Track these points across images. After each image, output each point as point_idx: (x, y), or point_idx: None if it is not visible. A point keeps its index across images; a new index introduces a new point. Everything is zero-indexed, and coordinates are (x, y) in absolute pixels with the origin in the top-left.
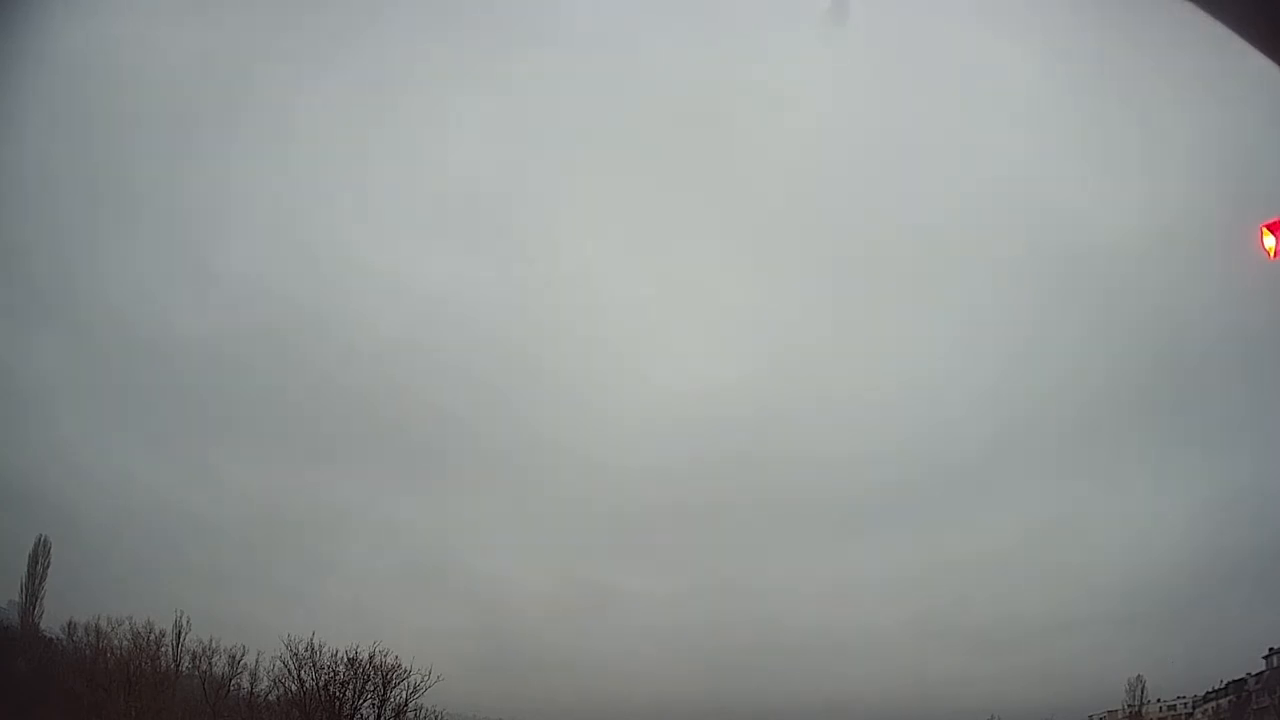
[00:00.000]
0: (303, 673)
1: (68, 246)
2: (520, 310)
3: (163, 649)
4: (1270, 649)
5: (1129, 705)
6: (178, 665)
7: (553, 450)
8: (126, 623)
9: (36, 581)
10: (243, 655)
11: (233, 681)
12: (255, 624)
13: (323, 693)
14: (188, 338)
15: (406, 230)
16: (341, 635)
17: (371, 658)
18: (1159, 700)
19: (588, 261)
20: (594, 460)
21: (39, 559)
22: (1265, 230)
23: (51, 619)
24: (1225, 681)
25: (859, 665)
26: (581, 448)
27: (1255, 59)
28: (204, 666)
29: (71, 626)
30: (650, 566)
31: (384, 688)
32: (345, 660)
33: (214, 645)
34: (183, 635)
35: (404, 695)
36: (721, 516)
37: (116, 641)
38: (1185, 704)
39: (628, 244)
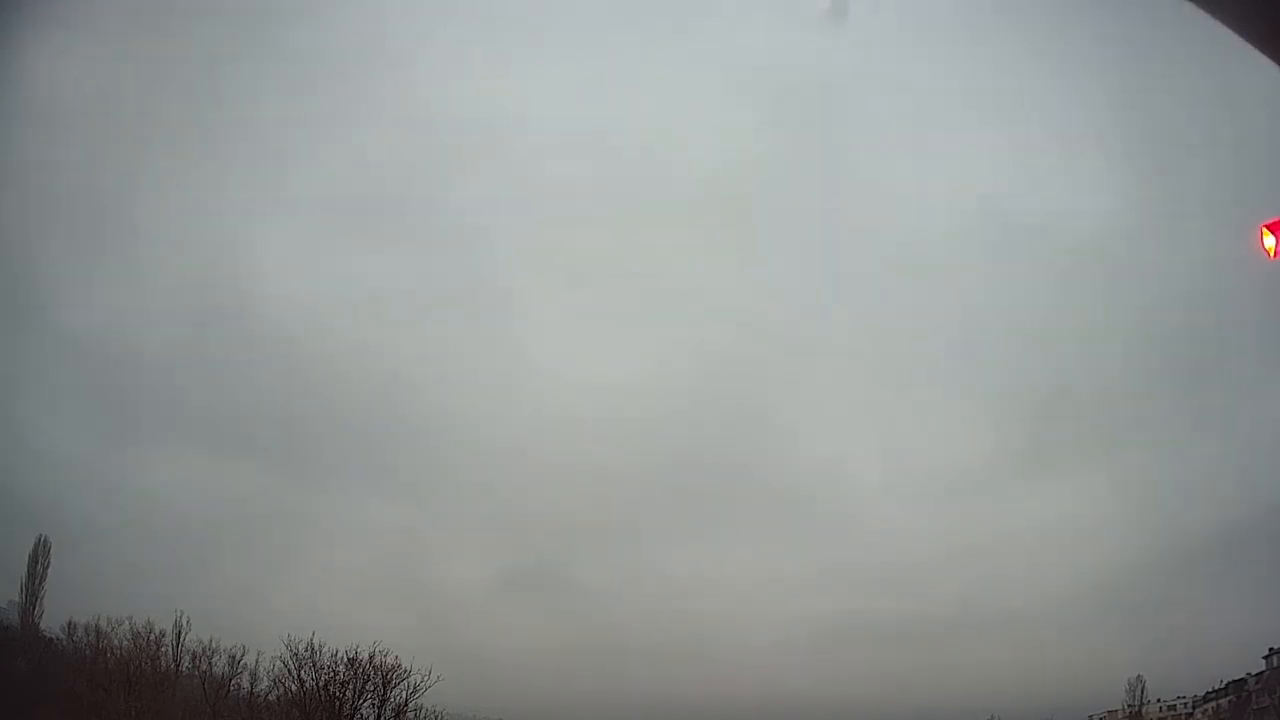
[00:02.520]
0: (303, 673)
1: (53, 256)
2: (456, 312)
3: (163, 649)
4: (1270, 649)
5: (1129, 705)
6: (178, 665)
7: (491, 451)
8: (126, 623)
9: (36, 581)
10: (243, 655)
11: (233, 681)
12: (238, 623)
13: (323, 693)
14: (159, 345)
15: (344, 231)
16: (308, 632)
17: (371, 658)
18: (1159, 700)
19: (515, 260)
20: (531, 459)
21: (39, 559)
22: (1265, 230)
23: (51, 619)
24: (1225, 681)
25: (844, 664)
26: (519, 447)
27: (1255, 59)
28: (204, 666)
29: (71, 626)
30: (589, 561)
31: (384, 688)
32: (345, 660)
33: (214, 645)
34: (183, 635)
35: (404, 695)
36: (665, 512)
37: (116, 641)
38: (1185, 704)
39: (558, 242)
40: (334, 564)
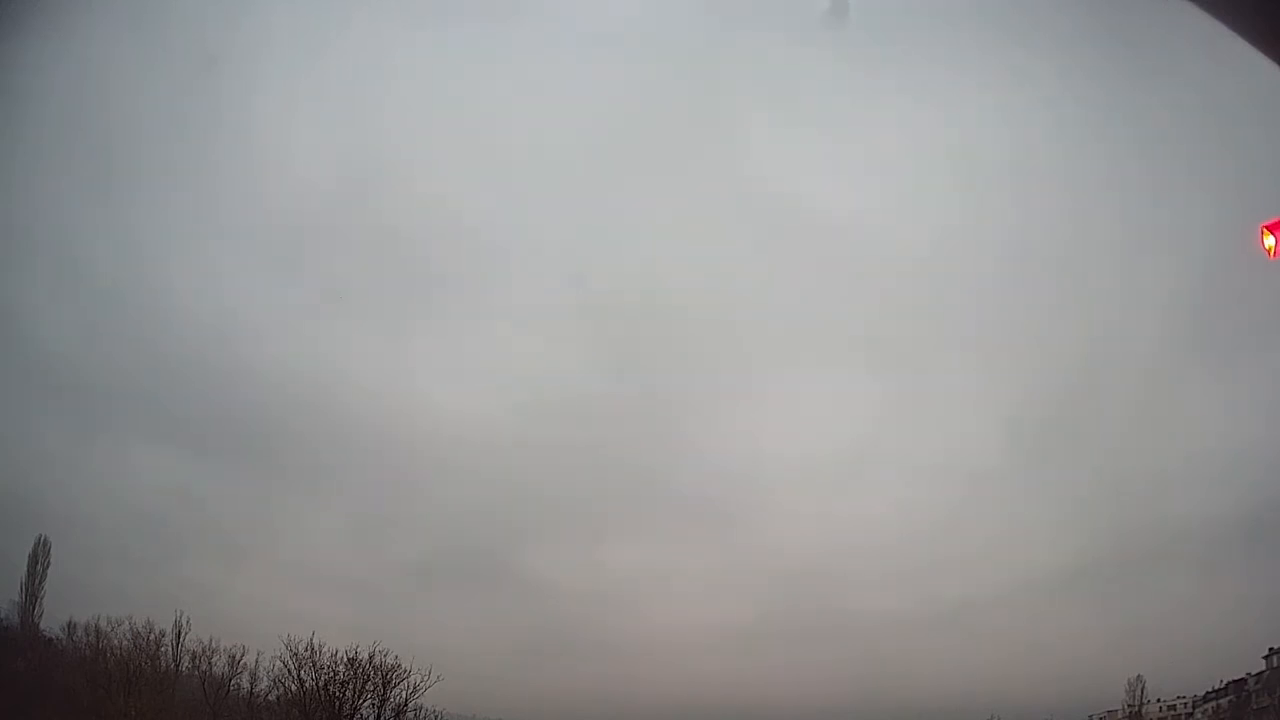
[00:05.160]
0: (303, 673)
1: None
2: (398, 314)
3: (163, 649)
4: (1270, 649)
5: (1129, 705)
6: (178, 665)
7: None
8: (126, 623)
9: (36, 581)
10: (243, 655)
11: (233, 681)
12: (234, 623)
13: (323, 693)
14: (140, 351)
15: (308, 237)
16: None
17: (371, 658)
18: (1159, 700)
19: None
20: (478, 450)
21: (39, 559)
22: (1265, 230)
23: (51, 619)
24: (1225, 681)
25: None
26: (466, 436)
27: (1255, 59)
28: (204, 666)
29: (71, 626)
30: (538, 555)
31: (384, 688)
32: (345, 660)
33: (214, 645)
34: (183, 635)
35: (404, 695)
36: (613, 505)
37: (116, 641)
38: (1185, 704)
39: (485, 232)
40: (308, 562)
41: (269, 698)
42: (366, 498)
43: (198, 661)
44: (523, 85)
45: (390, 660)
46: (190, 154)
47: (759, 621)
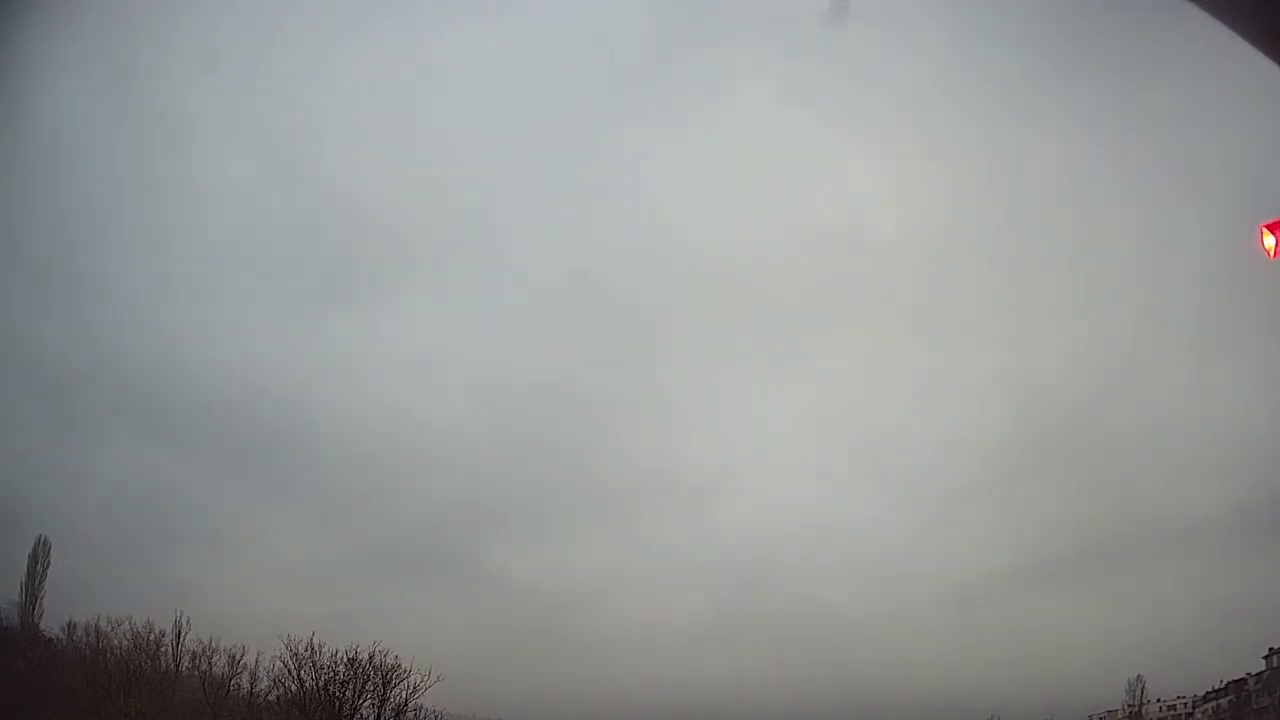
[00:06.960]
0: (303, 673)
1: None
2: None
3: (163, 649)
4: (1270, 649)
5: (1129, 705)
6: (178, 665)
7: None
8: (126, 623)
9: (36, 581)
10: (243, 655)
11: (233, 681)
12: (232, 622)
13: (323, 693)
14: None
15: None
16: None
17: (371, 658)
18: (1159, 700)
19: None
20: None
21: (39, 559)
22: (1265, 230)
23: (51, 619)
24: (1225, 681)
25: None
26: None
27: (1255, 59)
28: (204, 666)
29: (71, 626)
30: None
31: (384, 688)
32: (345, 660)
33: (214, 645)
34: (183, 635)
35: (404, 695)
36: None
37: (116, 641)
38: (1185, 704)
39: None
40: (295, 560)
41: (269, 698)
42: (347, 494)
43: (198, 661)
44: (514, 80)
45: (390, 660)
46: (174, 161)
47: (754, 620)
